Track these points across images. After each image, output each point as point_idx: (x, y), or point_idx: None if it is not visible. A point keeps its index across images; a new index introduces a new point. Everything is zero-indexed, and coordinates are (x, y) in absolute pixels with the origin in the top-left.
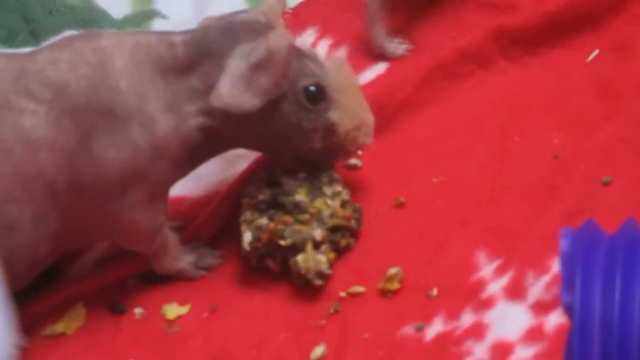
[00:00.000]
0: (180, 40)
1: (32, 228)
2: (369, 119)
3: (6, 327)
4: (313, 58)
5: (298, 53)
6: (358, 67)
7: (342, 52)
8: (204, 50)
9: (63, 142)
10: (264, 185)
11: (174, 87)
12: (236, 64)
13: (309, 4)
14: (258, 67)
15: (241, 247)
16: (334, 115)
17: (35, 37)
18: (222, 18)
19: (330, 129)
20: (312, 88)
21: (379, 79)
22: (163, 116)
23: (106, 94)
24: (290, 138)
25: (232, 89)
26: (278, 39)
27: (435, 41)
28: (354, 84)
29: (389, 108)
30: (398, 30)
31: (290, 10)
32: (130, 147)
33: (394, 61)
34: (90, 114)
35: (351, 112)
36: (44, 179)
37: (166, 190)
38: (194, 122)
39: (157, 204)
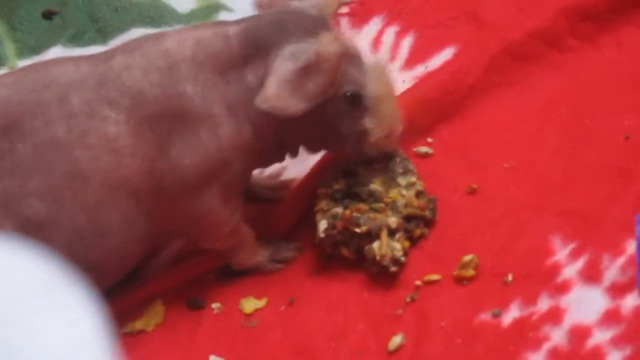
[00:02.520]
0: (234, 32)
1: (120, 232)
2: (398, 127)
3: None
4: (357, 62)
5: (344, 57)
6: (425, 54)
7: (383, 56)
8: (255, 44)
9: (144, 149)
10: (340, 175)
11: (233, 85)
12: (284, 66)
13: None
14: (307, 71)
15: (316, 235)
16: (368, 123)
17: (102, 35)
18: (276, 7)
19: (363, 135)
20: (353, 95)
21: (446, 65)
22: (226, 119)
23: (176, 99)
24: (327, 140)
25: (279, 91)
26: (330, 44)
27: (502, 23)
28: (391, 91)
29: (457, 94)
30: (466, 13)
31: (356, 0)
32: (201, 151)
33: (461, 46)
34: (165, 121)
35: (384, 121)
36: (128, 185)
37: (239, 190)
38: (250, 125)
39: (231, 203)
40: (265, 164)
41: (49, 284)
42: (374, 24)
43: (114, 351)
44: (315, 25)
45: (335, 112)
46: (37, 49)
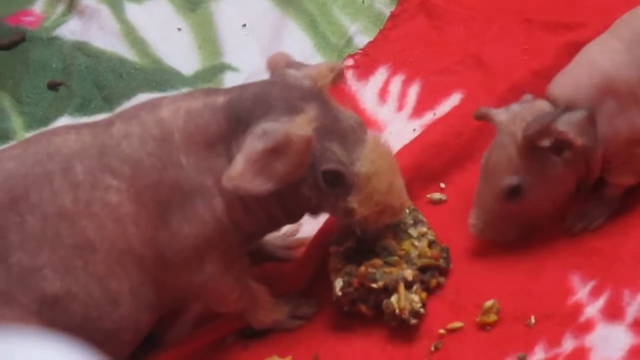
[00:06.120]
0: (221, 104)
1: (131, 300)
2: (397, 202)
3: None
4: (343, 138)
5: (326, 134)
6: (433, 101)
7: (378, 134)
8: (237, 117)
9: (146, 217)
10: (350, 232)
11: (222, 158)
12: (252, 145)
13: (378, 42)
14: (274, 152)
15: (333, 293)
16: (352, 201)
17: (108, 102)
18: (276, 72)
19: (349, 212)
20: (332, 173)
21: (454, 110)
22: (217, 192)
23: (172, 169)
24: (314, 214)
25: (244, 171)
26: (301, 127)
27: (507, 64)
28: (384, 168)
29: (466, 136)
30: (471, 56)
31: (360, 51)
32: (199, 221)
33: (468, 90)
34: (164, 190)
35: (373, 199)
36: (133, 253)
37: (241, 256)
38: (238, 198)
39: (234, 269)
40: (267, 230)
41: None
42: (380, 74)
43: None
44: (303, 99)
45: (313, 190)
46: (44, 121)
